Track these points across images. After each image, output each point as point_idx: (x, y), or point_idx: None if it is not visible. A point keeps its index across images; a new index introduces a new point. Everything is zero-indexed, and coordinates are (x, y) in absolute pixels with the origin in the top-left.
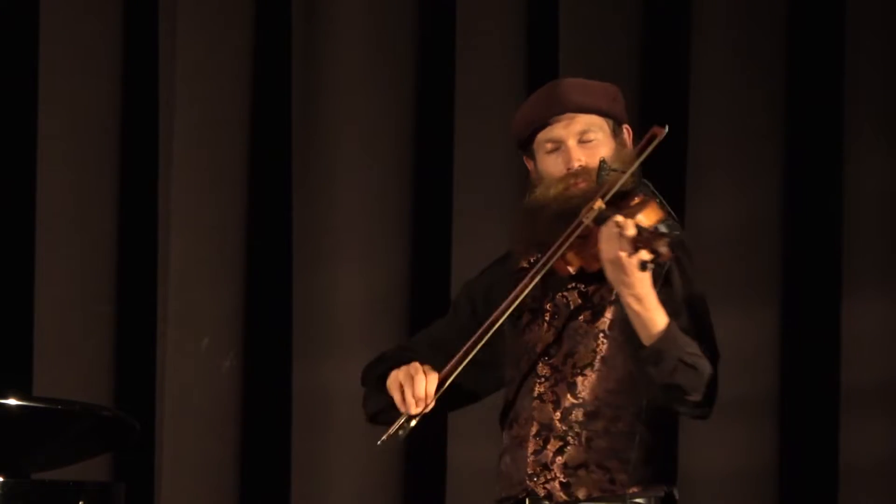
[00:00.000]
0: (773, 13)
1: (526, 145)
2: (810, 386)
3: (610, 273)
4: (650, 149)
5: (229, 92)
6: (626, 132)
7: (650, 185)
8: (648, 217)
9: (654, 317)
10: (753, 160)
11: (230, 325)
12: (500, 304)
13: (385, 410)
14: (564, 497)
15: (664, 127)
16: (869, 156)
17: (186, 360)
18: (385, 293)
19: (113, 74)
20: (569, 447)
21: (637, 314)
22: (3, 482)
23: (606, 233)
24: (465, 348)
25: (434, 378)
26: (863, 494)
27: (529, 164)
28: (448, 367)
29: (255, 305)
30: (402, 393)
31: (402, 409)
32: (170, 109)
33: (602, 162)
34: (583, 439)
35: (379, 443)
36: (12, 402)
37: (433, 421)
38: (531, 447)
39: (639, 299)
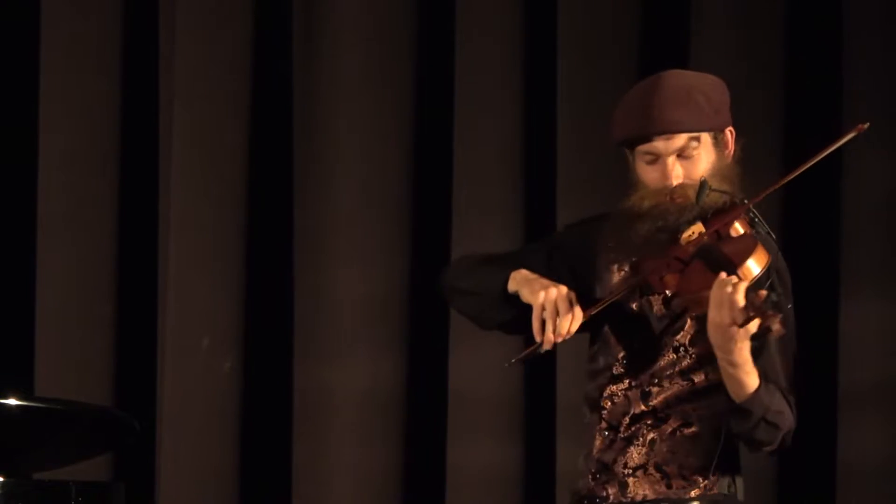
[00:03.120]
0: (773, 13)
1: (625, 145)
2: (808, 386)
3: (713, 335)
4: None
5: (229, 92)
6: (729, 135)
7: (752, 208)
8: (757, 261)
9: (747, 381)
10: (752, 160)
11: (230, 326)
12: (594, 278)
13: (512, 323)
14: (621, 498)
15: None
16: (868, 156)
17: (187, 361)
18: (385, 294)
19: (113, 74)
20: (631, 447)
21: (730, 375)
22: (3, 482)
23: (718, 296)
24: (618, 293)
25: (580, 315)
26: (861, 494)
27: (630, 160)
28: (596, 305)
29: (256, 306)
30: (543, 322)
31: (538, 339)
32: (170, 109)
33: (703, 181)
34: (646, 441)
35: (507, 365)
36: (12, 402)
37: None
38: (598, 445)
39: (734, 365)
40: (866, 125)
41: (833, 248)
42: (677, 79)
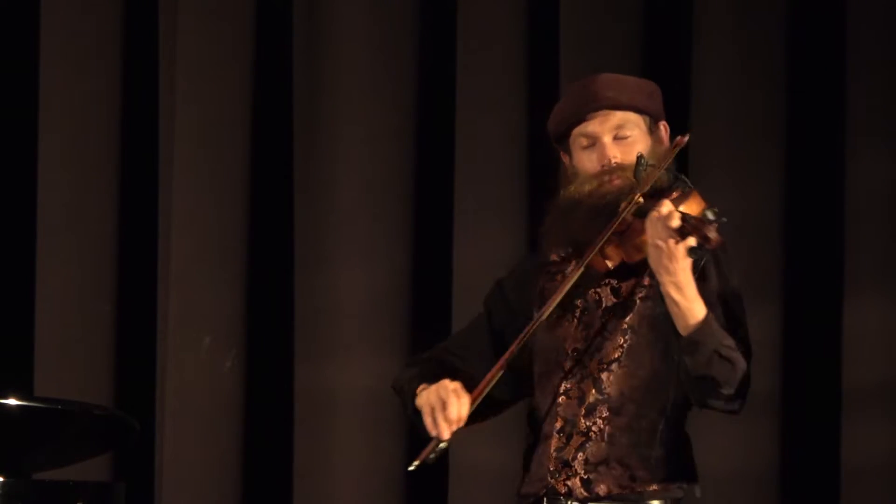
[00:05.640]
0: (773, 13)
1: (561, 140)
2: (811, 385)
3: (653, 259)
4: (673, 153)
5: (230, 91)
6: (664, 129)
7: (687, 180)
8: (692, 207)
9: (693, 306)
10: (753, 160)
11: (231, 325)
12: (534, 302)
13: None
14: (584, 493)
15: (686, 136)
16: (869, 155)
17: (187, 360)
18: (386, 293)
19: (113, 74)
20: (590, 443)
21: (676, 303)
22: (3, 482)
23: (652, 218)
24: (498, 365)
25: (466, 400)
26: (864, 494)
27: (565, 159)
28: (480, 386)
29: (257, 305)
30: (433, 416)
31: (433, 433)
32: (170, 109)
33: (640, 157)
34: (605, 435)
35: (411, 468)
36: (12, 402)
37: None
38: (554, 443)
39: (679, 287)
40: (686, 137)
41: (836, 247)
42: (613, 73)
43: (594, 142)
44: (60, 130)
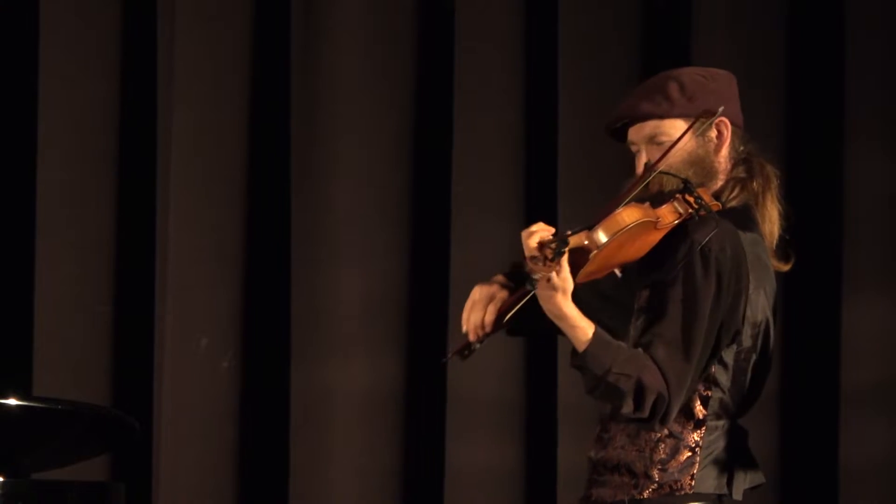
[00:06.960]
0: (773, 13)
1: (620, 141)
2: (810, 386)
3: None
4: (647, 179)
5: (228, 92)
6: (723, 126)
7: (687, 185)
8: (607, 227)
9: (576, 334)
10: None
11: (229, 326)
12: None
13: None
14: (598, 497)
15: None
16: (869, 156)
17: (185, 361)
18: (384, 294)
19: (112, 75)
20: (608, 447)
21: (562, 329)
22: (3, 482)
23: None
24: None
25: (492, 311)
26: (863, 494)
27: None
28: (510, 301)
29: (254, 306)
30: (465, 314)
31: (464, 331)
32: (169, 110)
33: (646, 163)
34: (618, 441)
35: (443, 360)
36: (12, 402)
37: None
38: (593, 446)
39: (557, 318)
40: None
41: (835, 247)
42: (670, 71)
43: (638, 148)
44: (60, 132)
